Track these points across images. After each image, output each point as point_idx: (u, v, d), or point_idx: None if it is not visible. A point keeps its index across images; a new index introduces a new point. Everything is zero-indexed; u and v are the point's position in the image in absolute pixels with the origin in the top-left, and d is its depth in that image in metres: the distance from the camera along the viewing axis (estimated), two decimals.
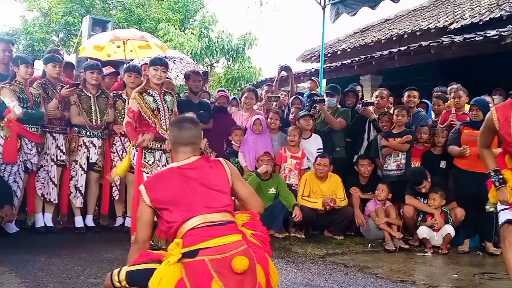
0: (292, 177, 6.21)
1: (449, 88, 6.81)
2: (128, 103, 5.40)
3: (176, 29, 18.70)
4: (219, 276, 2.35)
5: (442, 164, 6.02)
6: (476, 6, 11.60)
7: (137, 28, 13.94)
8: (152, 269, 2.44)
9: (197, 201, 2.56)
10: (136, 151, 4.88)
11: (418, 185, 5.65)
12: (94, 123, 5.62)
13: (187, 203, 2.56)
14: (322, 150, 6.35)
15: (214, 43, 18.29)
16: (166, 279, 2.36)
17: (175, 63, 8.45)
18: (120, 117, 5.67)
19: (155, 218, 2.71)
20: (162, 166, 4.68)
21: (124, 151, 5.68)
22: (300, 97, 7.54)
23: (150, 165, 4.71)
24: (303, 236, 5.84)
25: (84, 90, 5.67)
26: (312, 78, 8.77)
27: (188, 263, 2.40)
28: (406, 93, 6.71)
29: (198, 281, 2.35)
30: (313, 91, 8.00)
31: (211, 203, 2.57)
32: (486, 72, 8.31)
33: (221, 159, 2.83)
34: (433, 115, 6.94)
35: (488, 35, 8.38)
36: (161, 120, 4.74)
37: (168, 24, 18.78)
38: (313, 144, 6.45)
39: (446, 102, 6.70)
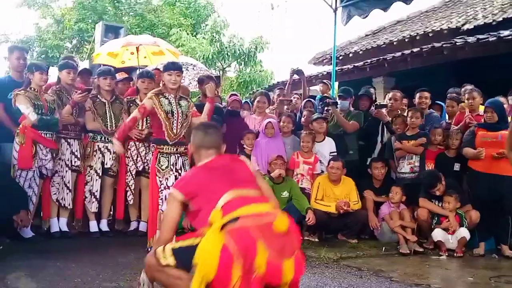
0: (304, 181, 6.19)
1: (463, 89, 6.76)
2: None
3: (188, 34, 18.77)
4: (263, 237, 2.43)
5: (456, 167, 5.97)
6: (489, 6, 11.52)
7: (149, 34, 14.02)
8: (196, 244, 2.48)
9: (227, 183, 2.71)
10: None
11: (432, 188, 5.60)
12: (109, 129, 5.65)
13: (217, 186, 2.70)
14: (335, 154, 6.33)
15: (226, 48, 18.33)
16: (212, 247, 2.41)
17: (188, 70, 8.48)
18: None
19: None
20: (176, 170, 4.71)
21: (139, 155, 5.72)
22: (313, 100, 7.53)
23: (163, 170, 4.72)
24: (316, 239, 5.82)
25: (98, 96, 5.71)
26: (324, 81, 8.75)
27: (231, 230, 2.46)
28: (418, 95, 6.69)
29: (244, 244, 2.41)
30: (325, 94, 7.99)
31: (240, 183, 2.74)
32: (499, 72, 8.24)
33: (241, 157, 3.04)
34: (447, 116, 6.89)
35: (501, 35, 8.33)
36: (172, 124, 4.75)
37: (180, 29, 18.86)
38: (326, 147, 6.43)
39: (460, 104, 6.65)
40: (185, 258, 2.50)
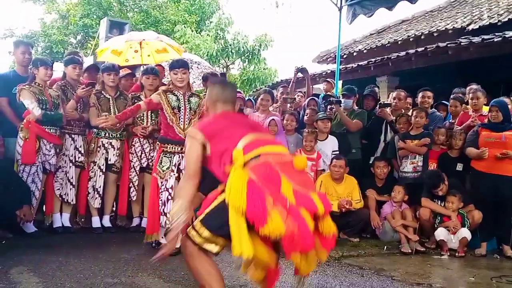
0: None
1: (468, 88, 6.71)
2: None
3: (192, 31, 18.79)
4: (284, 172, 2.54)
5: (459, 167, 5.95)
6: (495, 7, 11.49)
7: (154, 30, 14.03)
8: (221, 203, 2.55)
9: (244, 128, 2.83)
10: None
11: (434, 188, 5.59)
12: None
13: (235, 130, 2.81)
14: (337, 152, 6.33)
15: (230, 45, 18.31)
16: (237, 182, 2.47)
17: (192, 68, 8.48)
18: (139, 118, 5.71)
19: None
20: (179, 170, 4.66)
21: (143, 152, 5.73)
22: (316, 98, 7.53)
23: (163, 171, 4.69)
24: None
25: (103, 92, 5.72)
26: (328, 79, 8.75)
27: (253, 166, 2.56)
28: (420, 94, 6.68)
29: (267, 177, 2.50)
30: (328, 93, 7.99)
31: (257, 129, 2.89)
32: (504, 73, 8.22)
33: None
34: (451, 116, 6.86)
35: (506, 35, 8.30)
36: (179, 119, 4.71)
37: (184, 26, 18.88)
38: (329, 146, 6.42)
39: (463, 104, 6.63)
40: (217, 220, 2.56)
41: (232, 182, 2.47)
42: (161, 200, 4.68)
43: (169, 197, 4.64)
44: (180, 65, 4.83)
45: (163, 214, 4.66)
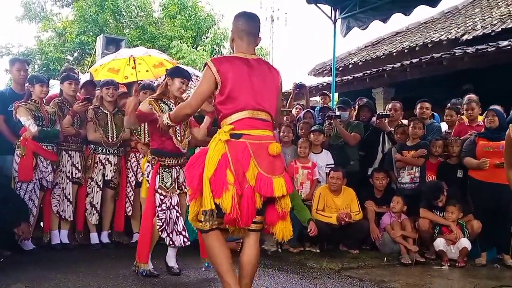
0: (304, 188, 6.18)
1: (465, 98, 6.68)
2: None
3: (188, 46, 18.91)
4: (255, 156, 2.97)
5: (459, 174, 5.94)
6: (488, 17, 11.60)
7: (150, 46, 14.08)
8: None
9: (252, 96, 3.08)
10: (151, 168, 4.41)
11: (435, 200, 5.58)
12: (110, 140, 5.65)
13: (244, 94, 3.06)
14: (332, 166, 6.31)
15: None
16: (214, 155, 2.96)
17: (192, 80, 8.51)
18: (136, 134, 5.68)
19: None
20: (179, 186, 4.42)
21: (139, 167, 5.71)
22: (312, 111, 7.54)
23: (167, 188, 4.33)
24: (318, 250, 5.80)
25: (101, 107, 5.72)
26: (324, 92, 8.79)
27: (232, 142, 3.00)
28: (419, 105, 6.69)
29: (239, 156, 2.96)
30: (325, 105, 8.02)
31: (262, 102, 3.11)
32: (499, 83, 8.28)
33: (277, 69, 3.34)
34: (446, 126, 6.87)
35: (500, 45, 8.37)
36: (176, 130, 4.35)
37: (180, 42, 18.98)
38: (324, 159, 6.43)
39: (458, 114, 6.65)
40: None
41: (210, 153, 2.98)
42: (161, 219, 4.26)
43: (178, 214, 4.33)
44: (187, 76, 4.51)
45: (173, 232, 4.33)
